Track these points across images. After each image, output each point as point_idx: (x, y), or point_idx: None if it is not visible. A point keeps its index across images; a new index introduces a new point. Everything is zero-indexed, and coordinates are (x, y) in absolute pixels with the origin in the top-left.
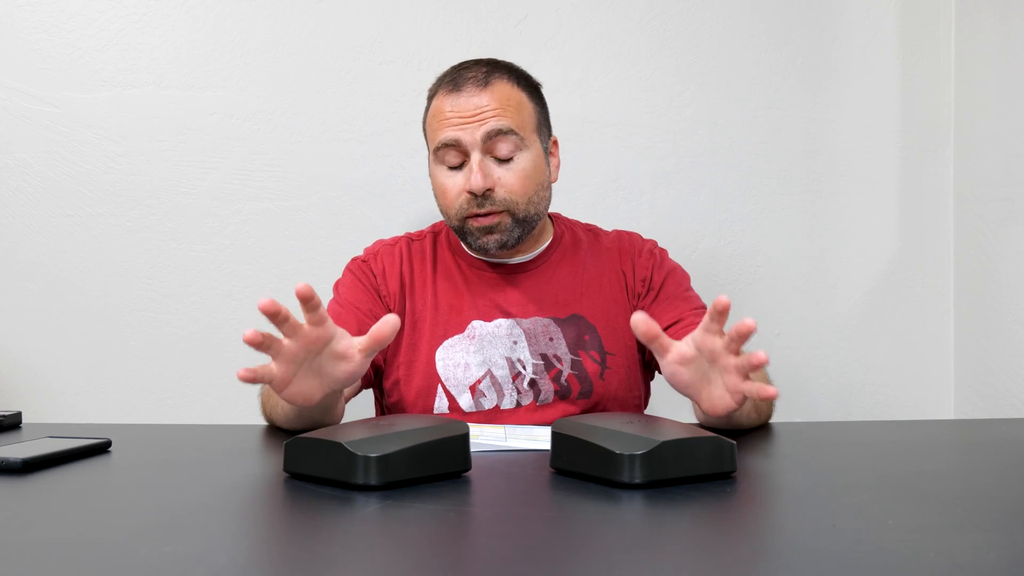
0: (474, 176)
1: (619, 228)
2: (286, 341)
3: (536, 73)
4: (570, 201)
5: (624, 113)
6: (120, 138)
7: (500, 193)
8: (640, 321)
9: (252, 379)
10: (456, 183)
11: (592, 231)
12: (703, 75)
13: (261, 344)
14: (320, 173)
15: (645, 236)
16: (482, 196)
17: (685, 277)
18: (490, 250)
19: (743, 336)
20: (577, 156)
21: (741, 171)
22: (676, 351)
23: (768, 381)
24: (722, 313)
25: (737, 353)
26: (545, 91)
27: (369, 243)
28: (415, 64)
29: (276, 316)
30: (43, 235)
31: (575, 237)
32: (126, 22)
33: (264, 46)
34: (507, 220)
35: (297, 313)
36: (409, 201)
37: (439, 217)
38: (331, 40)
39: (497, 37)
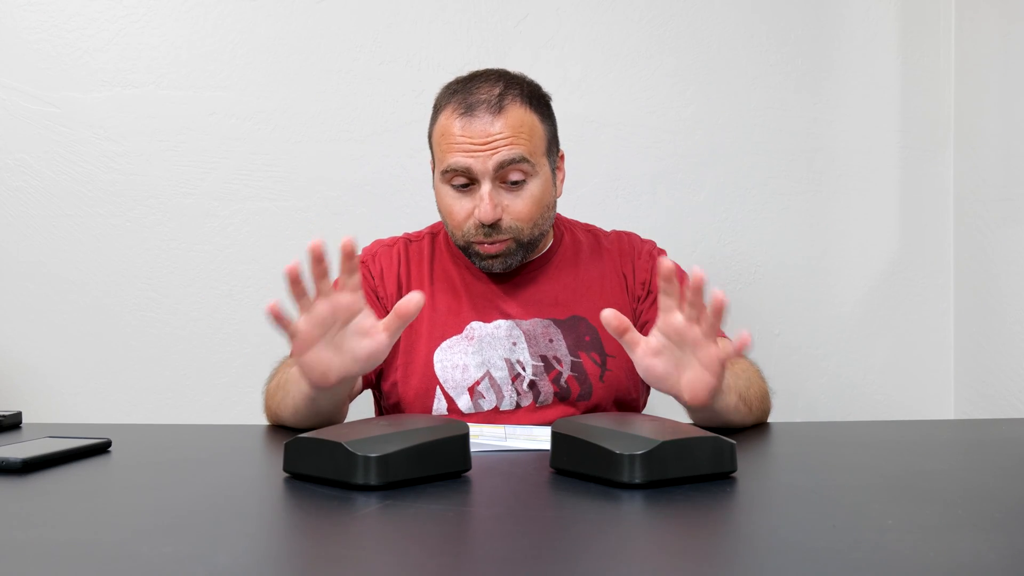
0: (484, 207)
1: (619, 228)
2: (317, 302)
3: (536, 73)
4: (570, 201)
5: (624, 113)
6: (120, 138)
7: (507, 221)
8: (611, 316)
9: (279, 317)
10: (463, 207)
11: (592, 232)
12: (703, 75)
13: (297, 281)
14: (320, 173)
15: (645, 236)
16: (490, 226)
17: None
18: (493, 271)
19: (716, 310)
20: (577, 156)
21: (741, 171)
22: (645, 344)
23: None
24: (668, 279)
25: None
26: (545, 91)
27: (369, 243)
28: (415, 64)
29: (319, 263)
30: (43, 235)
31: (575, 239)
32: (126, 22)
33: (264, 46)
34: (512, 246)
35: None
36: (409, 201)
37: (439, 217)
38: (331, 40)
39: (497, 37)
